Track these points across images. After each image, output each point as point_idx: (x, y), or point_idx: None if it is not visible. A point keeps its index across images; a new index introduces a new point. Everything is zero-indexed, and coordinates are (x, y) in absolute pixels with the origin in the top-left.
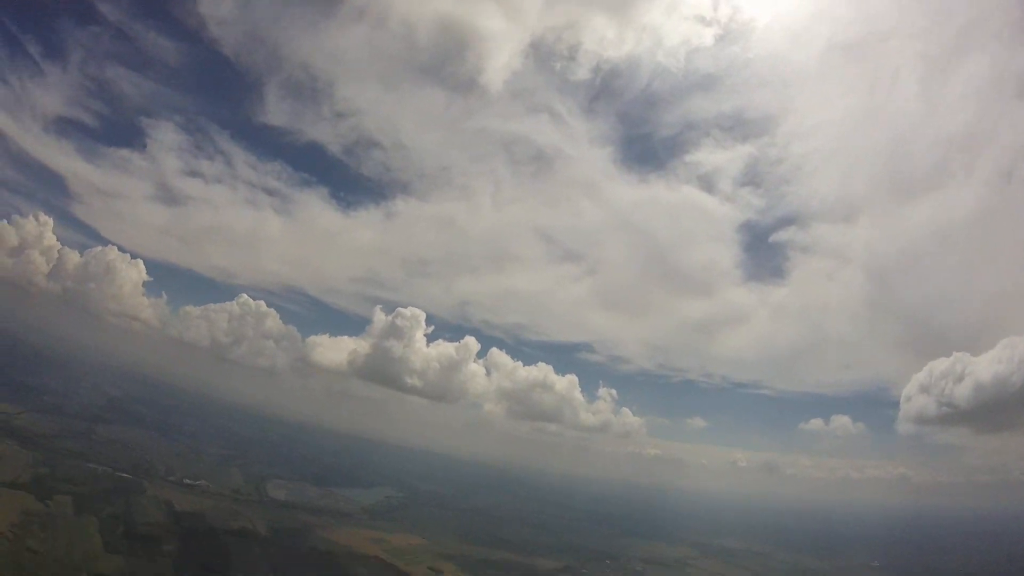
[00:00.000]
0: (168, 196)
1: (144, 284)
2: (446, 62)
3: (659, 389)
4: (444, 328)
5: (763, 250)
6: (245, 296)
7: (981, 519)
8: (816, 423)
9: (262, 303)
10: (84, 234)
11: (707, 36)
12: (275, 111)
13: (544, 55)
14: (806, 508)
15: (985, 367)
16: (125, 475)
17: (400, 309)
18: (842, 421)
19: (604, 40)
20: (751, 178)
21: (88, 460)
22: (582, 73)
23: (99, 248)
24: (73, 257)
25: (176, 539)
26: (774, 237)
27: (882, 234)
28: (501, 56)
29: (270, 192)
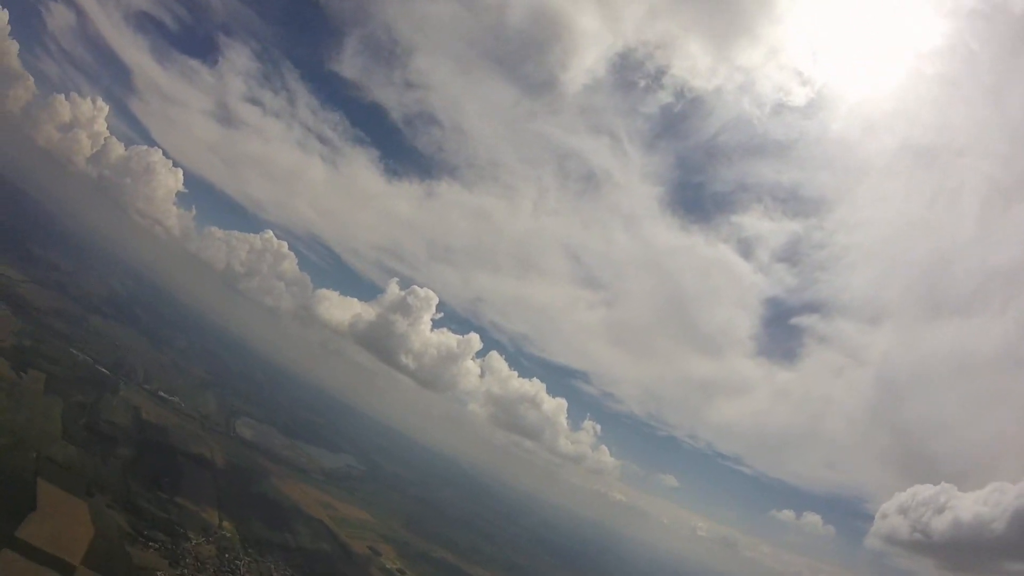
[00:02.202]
0: (225, 116)
1: (178, 194)
2: (528, 57)
3: (642, 437)
4: (452, 318)
5: (782, 329)
6: (270, 232)
7: None
8: (787, 514)
9: (284, 244)
10: (135, 130)
11: (800, 96)
12: (349, 63)
13: (630, 68)
14: None
15: (969, 505)
16: (104, 370)
17: (415, 287)
18: (813, 519)
19: (695, 68)
20: (789, 255)
21: (73, 345)
22: (663, 96)
23: (145, 147)
24: (118, 148)
25: (134, 446)
26: (796, 320)
27: (902, 345)
28: (588, 57)
29: (323, 140)
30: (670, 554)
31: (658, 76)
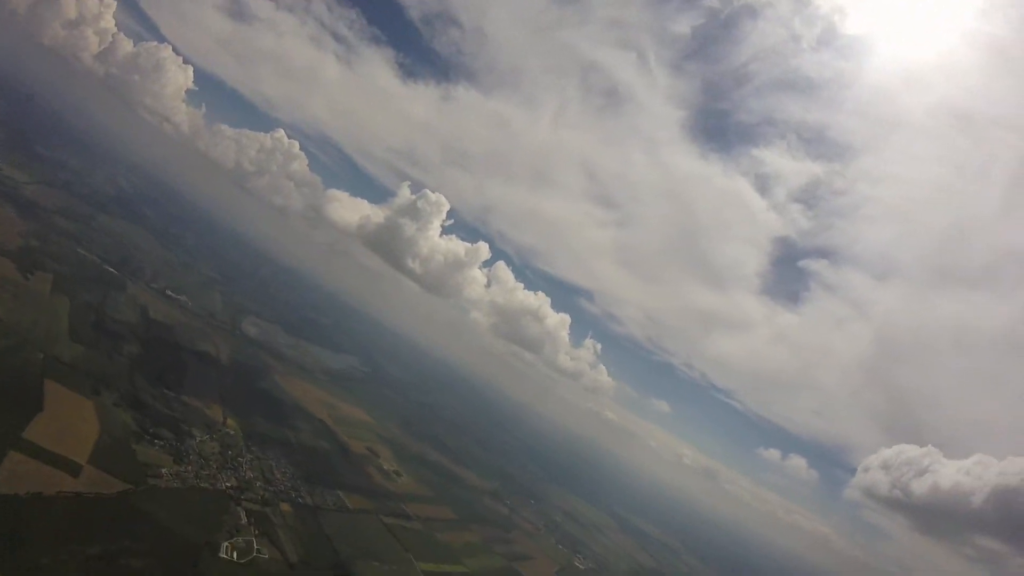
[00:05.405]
0: (236, 10)
1: (187, 91)
2: None
3: (640, 361)
4: (461, 225)
5: (789, 271)
6: (282, 131)
7: None
8: (772, 453)
9: (296, 143)
10: (143, 26)
11: (853, 23)
12: None
13: None
14: (725, 525)
15: (951, 473)
16: (111, 269)
17: (427, 191)
18: (798, 462)
19: None
20: (807, 197)
21: (80, 244)
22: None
23: (154, 43)
24: (126, 45)
25: (140, 343)
26: (804, 263)
27: (907, 307)
28: None
29: (337, 38)
30: (654, 477)
31: None
